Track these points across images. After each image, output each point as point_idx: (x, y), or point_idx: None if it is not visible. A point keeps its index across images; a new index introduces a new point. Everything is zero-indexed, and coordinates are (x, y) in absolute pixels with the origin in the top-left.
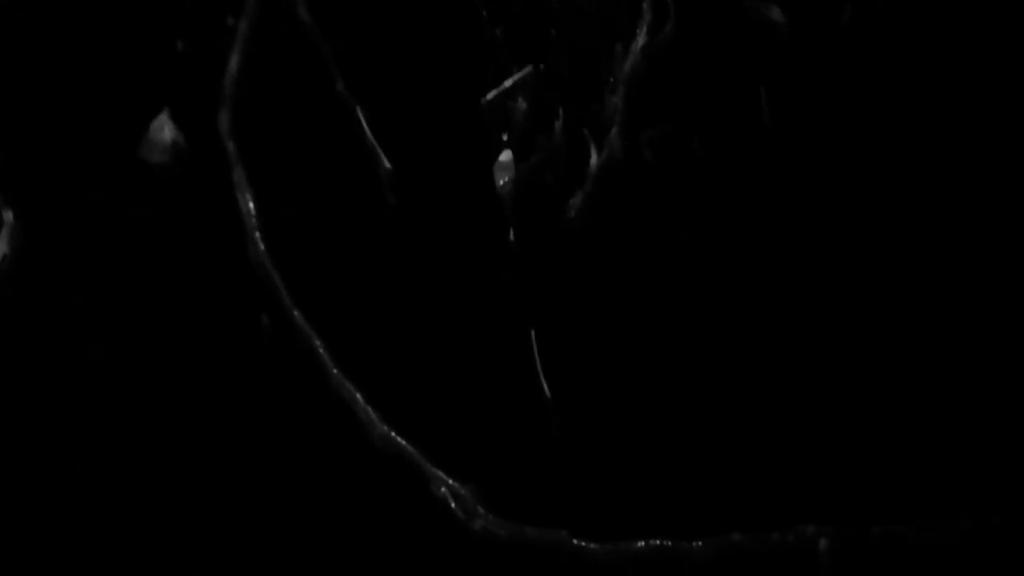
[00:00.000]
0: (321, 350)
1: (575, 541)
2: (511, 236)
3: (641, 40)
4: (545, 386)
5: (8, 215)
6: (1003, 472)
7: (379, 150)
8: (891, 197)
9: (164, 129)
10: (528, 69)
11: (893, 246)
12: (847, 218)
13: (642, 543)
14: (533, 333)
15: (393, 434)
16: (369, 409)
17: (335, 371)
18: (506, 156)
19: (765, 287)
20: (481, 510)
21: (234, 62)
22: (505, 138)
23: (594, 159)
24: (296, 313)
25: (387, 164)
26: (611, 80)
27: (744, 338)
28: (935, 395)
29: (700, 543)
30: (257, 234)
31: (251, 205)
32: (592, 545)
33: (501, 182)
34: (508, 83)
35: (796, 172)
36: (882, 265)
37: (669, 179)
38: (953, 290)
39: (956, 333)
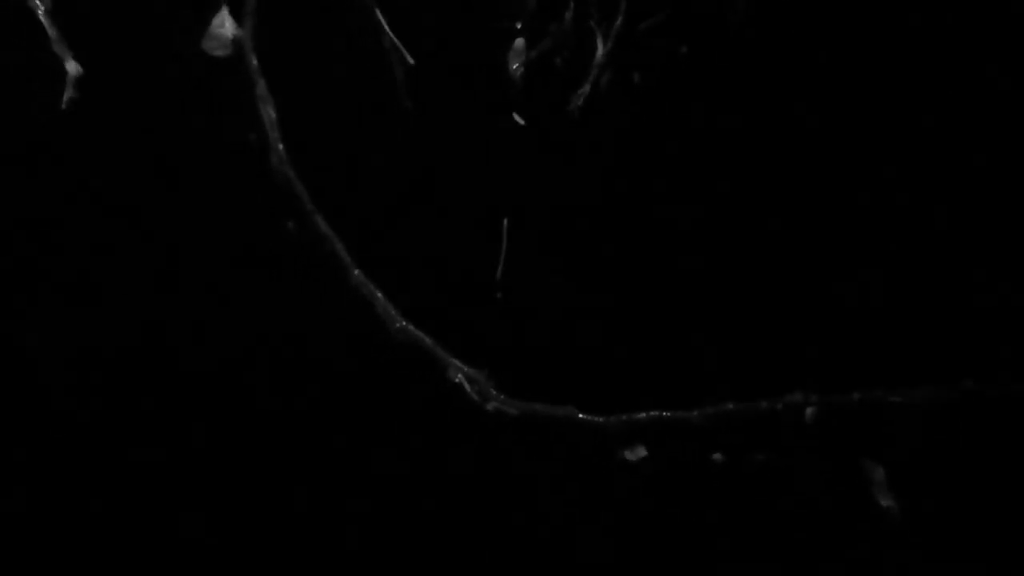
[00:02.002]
0: (342, 252)
1: (581, 415)
2: (517, 118)
3: None
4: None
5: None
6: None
7: (401, 49)
8: (883, 141)
9: (225, 24)
10: None
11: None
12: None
13: (644, 414)
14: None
15: (411, 326)
16: (388, 305)
17: (356, 271)
18: (519, 43)
19: (758, 181)
20: (494, 392)
21: None
22: (519, 26)
23: (600, 49)
24: (318, 217)
25: (410, 60)
26: None
27: (737, 222)
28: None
29: (696, 412)
30: (280, 145)
31: (273, 116)
32: (598, 418)
33: (514, 67)
34: None
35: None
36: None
37: (667, 72)
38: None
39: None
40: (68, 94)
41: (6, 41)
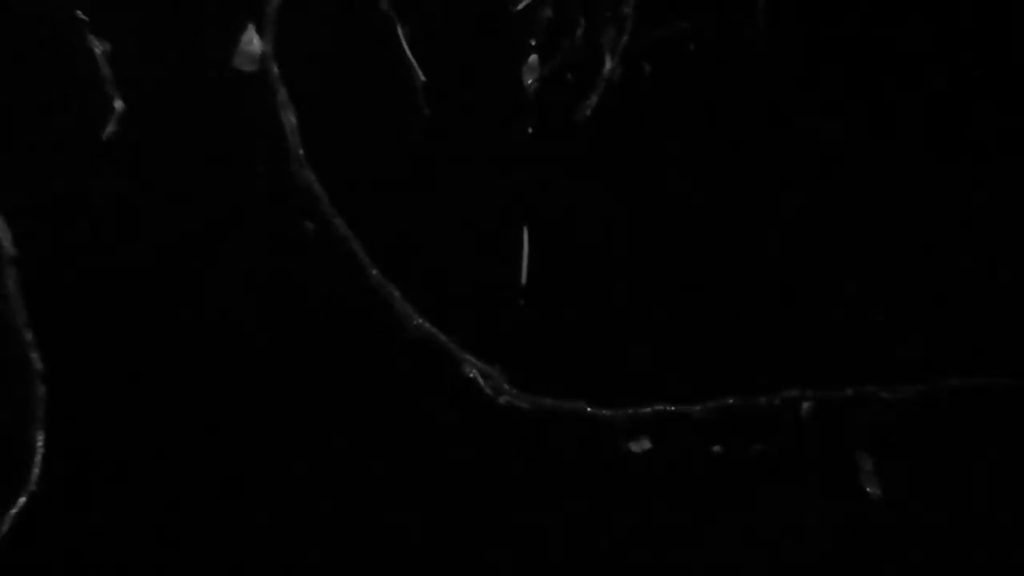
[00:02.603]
0: (360, 252)
1: (589, 409)
2: (529, 129)
3: None
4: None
5: (119, 104)
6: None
7: (415, 64)
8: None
9: (253, 42)
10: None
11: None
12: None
13: (648, 408)
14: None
15: (427, 324)
16: (406, 303)
17: (374, 271)
18: (533, 59)
19: (757, 185)
20: (506, 386)
21: None
22: (533, 43)
23: (608, 64)
24: (337, 220)
25: (422, 77)
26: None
27: (736, 228)
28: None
29: (698, 407)
30: (300, 150)
31: (294, 122)
32: (605, 411)
33: (528, 82)
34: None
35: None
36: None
37: (672, 82)
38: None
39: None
40: (111, 128)
41: (57, 78)
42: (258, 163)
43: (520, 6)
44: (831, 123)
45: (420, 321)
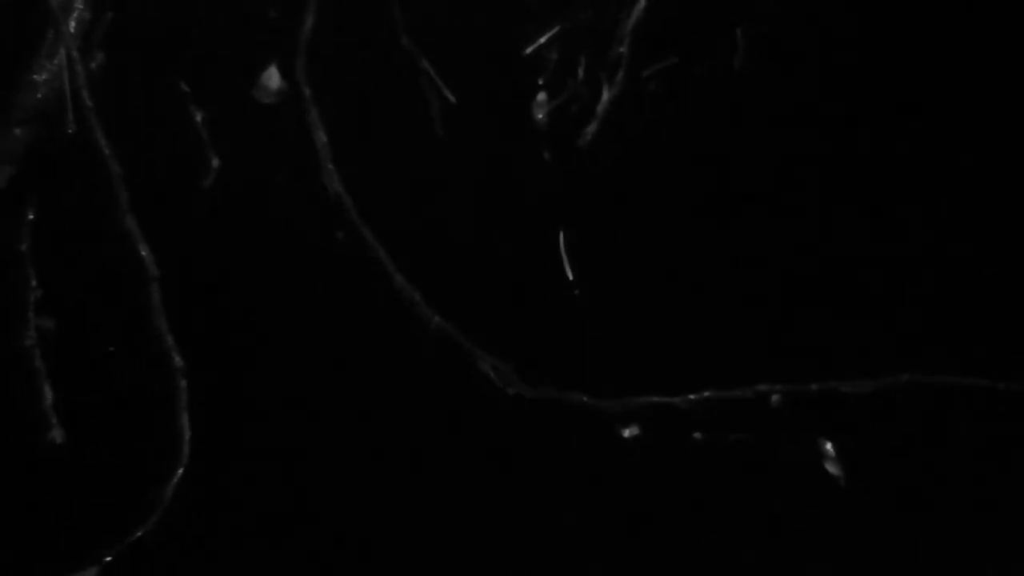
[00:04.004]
0: (385, 259)
1: (586, 399)
2: (546, 156)
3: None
4: (569, 274)
5: (215, 162)
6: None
7: (441, 87)
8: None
9: (272, 79)
10: (556, 29)
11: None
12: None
13: (638, 399)
14: (561, 233)
15: (446, 323)
16: (426, 305)
17: (398, 276)
18: (542, 96)
19: (739, 193)
20: (515, 379)
21: (309, 22)
22: (541, 82)
23: (605, 95)
24: (365, 229)
25: (451, 98)
26: (619, 33)
27: (716, 238)
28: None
29: (681, 398)
30: (331, 164)
31: (324, 140)
32: (600, 401)
33: (539, 116)
34: (543, 40)
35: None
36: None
37: (664, 108)
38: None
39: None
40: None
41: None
42: (281, 175)
43: (529, 51)
44: (800, 133)
45: (439, 321)
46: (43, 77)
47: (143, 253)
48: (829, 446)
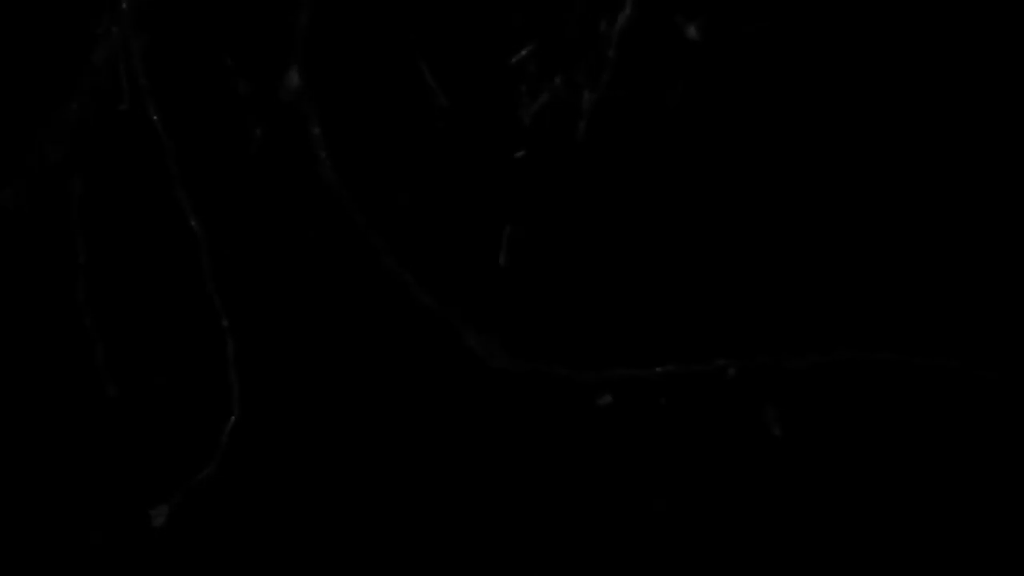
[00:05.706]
0: (379, 242)
1: (565, 371)
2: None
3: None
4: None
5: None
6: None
7: (437, 89)
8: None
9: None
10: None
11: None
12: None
13: (611, 371)
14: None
15: (435, 302)
16: (418, 285)
17: (390, 258)
18: (527, 101)
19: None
20: (499, 352)
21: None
22: (524, 89)
23: (586, 98)
24: (361, 219)
25: (445, 101)
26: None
27: (685, 230)
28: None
29: (649, 370)
30: (328, 162)
31: (317, 132)
32: (577, 372)
33: (524, 120)
34: (524, 52)
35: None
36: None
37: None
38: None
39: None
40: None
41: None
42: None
43: (514, 60)
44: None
45: (430, 299)
46: (99, 55)
47: (192, 223)
48: (772, 410)
